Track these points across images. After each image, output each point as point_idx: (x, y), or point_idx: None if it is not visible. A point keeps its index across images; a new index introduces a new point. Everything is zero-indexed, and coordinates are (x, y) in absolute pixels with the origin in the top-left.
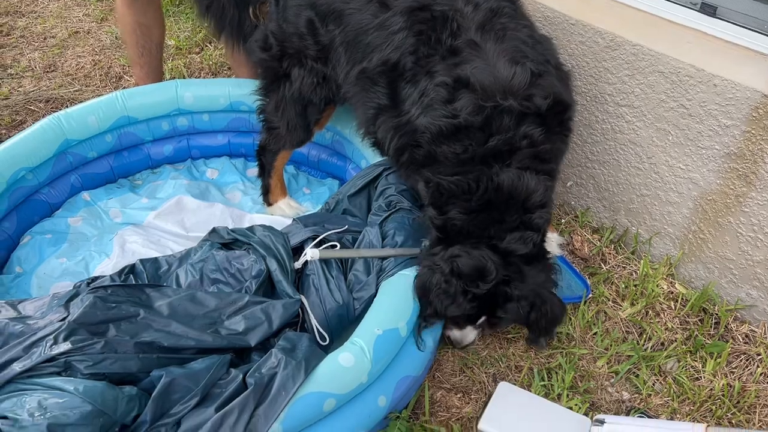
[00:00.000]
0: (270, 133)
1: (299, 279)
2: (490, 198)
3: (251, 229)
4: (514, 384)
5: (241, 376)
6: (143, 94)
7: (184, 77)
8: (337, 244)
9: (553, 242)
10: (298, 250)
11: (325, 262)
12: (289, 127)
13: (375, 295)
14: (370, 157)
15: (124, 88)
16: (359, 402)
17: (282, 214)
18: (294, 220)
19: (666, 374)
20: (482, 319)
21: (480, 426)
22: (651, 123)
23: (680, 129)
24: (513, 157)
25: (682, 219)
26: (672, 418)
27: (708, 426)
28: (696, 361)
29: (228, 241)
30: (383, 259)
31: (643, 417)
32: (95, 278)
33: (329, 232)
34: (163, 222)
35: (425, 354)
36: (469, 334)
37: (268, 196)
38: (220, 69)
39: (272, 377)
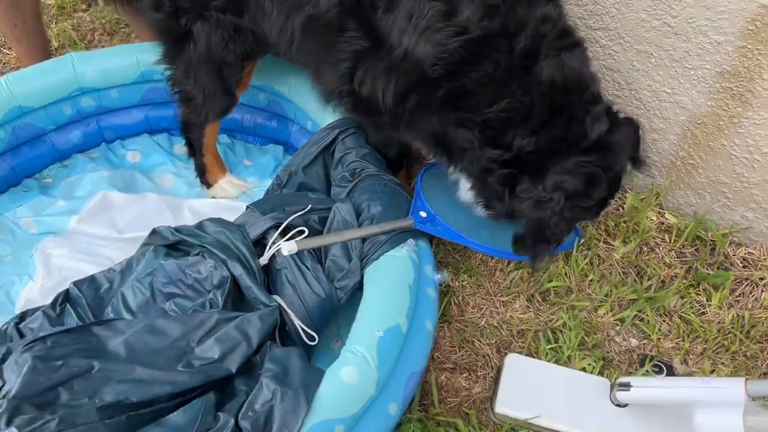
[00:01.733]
0: (188, 105)
1: (268, 276)
2: (549, 104)
3: (200, 226)
4: (521, 353)
5: (232, 420)
6: (33, 76)
7: (74, 43)
8: (305, 230)
9: None
10: (257, 243)
11: (297, 252)
12: (206, 95)
13: (360, 282)
14: (316, 116)
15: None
16: (368, 417)
17: (226, 196)
18: (248, 207)
19: (671, 314)
20: None
21: (497, 410)
22: (630, 46)
23: (664, 50)
24: (541, 47)
25: (668, 146)
26: (685, 360)
27: (748, 380)
28: (699, 294)
29: (174, 241)
30: (365, 239)
31: (659, 367)
32: (22, 315)
33: (293, 217)
34: (90, 226)
35: (428, 342)
36: None
37: (205, 177)
38: (117, 28)
39: (269, 414)
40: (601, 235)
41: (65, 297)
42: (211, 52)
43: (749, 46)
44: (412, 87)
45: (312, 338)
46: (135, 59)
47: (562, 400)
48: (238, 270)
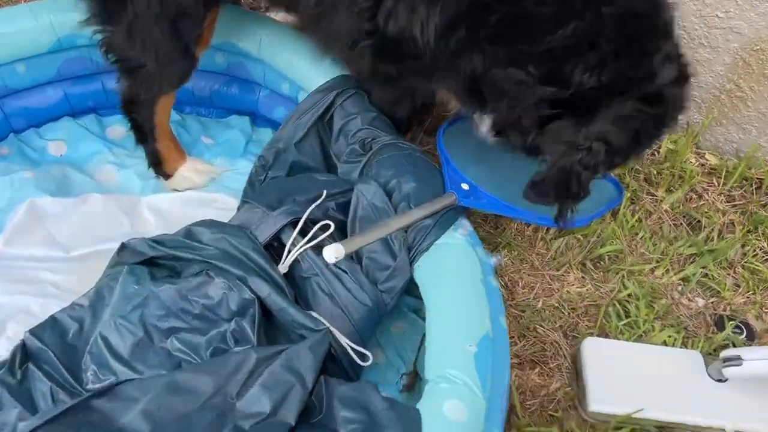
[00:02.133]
0: (133, 77)
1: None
2: (620, 32)
3: (189, 234)
4: (592, 334)
5: None
6: None
7: None
8: (330, 223)
9: None
10: (266, 248)
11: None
12: (159, 59)
13: (409, 281)
14: (297, 76)
15: None
16: None
17: (191, 186)
18: (245, 202)
19: (734, 265)
20: None
21: (591, 408)
22: None
23: None
24: None
25: (713, 78)
26: (760, 315)
27: None
28: (760, 239)
29: (156, 255)
30: (406, 229)
31: (740, 328)
32: None
33: (311, 208)
34: (21, 247)
35: (507, 344)
36: None
37: (161, 167)
38: None
39: None
40: (642, 185)
41: (23, 353)
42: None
43: None
44: (460, 16)
45: (364, 358)
46: (48, 21)
47: (658, 385)
48: (263, 289)
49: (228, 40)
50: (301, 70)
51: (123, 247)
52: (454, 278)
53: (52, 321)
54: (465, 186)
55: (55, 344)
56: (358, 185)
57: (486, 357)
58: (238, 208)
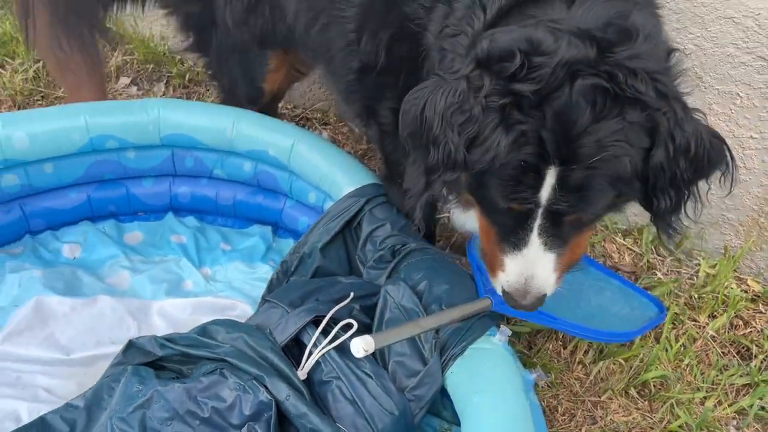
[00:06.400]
0: (216, 88)
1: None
2: None
3: (204, 331)
4: None
5: None
6: None
7: None
8: (354, 323)
9: None
10: (285, 350)
11: (348, 355)
12: (230, 81)
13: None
14: (326, 185)
15: None
16: None
17: None
18: (265, 300)
19: None
20: (549, 172)
21: None
22: (710, 86)
23: (754, 88)
24: None
25: (750, 201)
26: None
27: None
28: None
29: (162, 357)
30: (438, 330)
31: None
32: None
33: (337, 308)
34: (19, 346)
35: None
36: (540, 260)
37: None
38: (30, 99)
39: None
40: (683, 309)
41: None
42: (233, 35)
43: None
44: None
45: None
46: (83, 121)
47: None
48: (282, 391)
49: (258, 148)
50: (332, 177)
51: (130, 345)
52: (494, 386)
53: (41, 422)
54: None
55: None
56: (385, 286)
57: None
58: (258, 308)
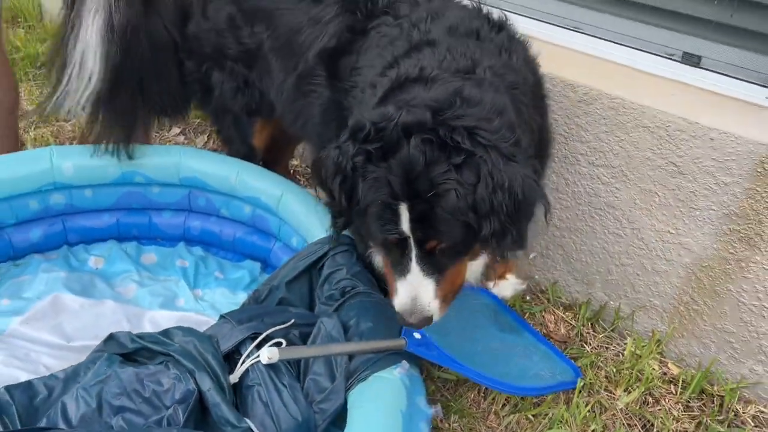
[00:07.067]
0: (222, 143)
1: (237, 394)
2: None
3: (166, 333)
4: None
5: None
6: (4, 165)
7: None
8: (283, 341)
9: (509, 286)
10: (228, 357)
11: (272, 367)
12: (225, 134)
13: (343, 407)
14: (303, 231)
15: None
16: None
17: None
18: (222, 317)
19: None
20: (402, 207)
21: None
22: (633, 184)
23: (669, 189)
24: None
25: (671, 289)
26: None
27: None
28: None
29: (132, 350)
30: (351, 356)
31: None
32: None
33: (274, 329)
34: (34, 329)
35: None
36: (421, 284)
37: None
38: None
39: None
40: (601, 381)
41: None
42: (225, 102)
43: (757, 188)
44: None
45: None
46: (116, 158)
47: None
48: (206, 384)
49: (255, 195)
50: (309, 226)
51: (110, 337)
52: (375, 405)
53: (28, 384)
54: (417, 335)
55: (22, 402)
56: (322, 318)
57: None
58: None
